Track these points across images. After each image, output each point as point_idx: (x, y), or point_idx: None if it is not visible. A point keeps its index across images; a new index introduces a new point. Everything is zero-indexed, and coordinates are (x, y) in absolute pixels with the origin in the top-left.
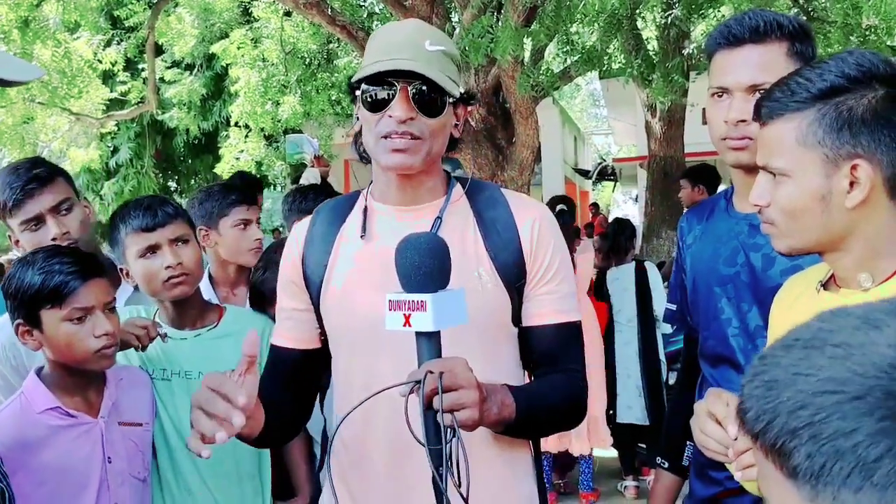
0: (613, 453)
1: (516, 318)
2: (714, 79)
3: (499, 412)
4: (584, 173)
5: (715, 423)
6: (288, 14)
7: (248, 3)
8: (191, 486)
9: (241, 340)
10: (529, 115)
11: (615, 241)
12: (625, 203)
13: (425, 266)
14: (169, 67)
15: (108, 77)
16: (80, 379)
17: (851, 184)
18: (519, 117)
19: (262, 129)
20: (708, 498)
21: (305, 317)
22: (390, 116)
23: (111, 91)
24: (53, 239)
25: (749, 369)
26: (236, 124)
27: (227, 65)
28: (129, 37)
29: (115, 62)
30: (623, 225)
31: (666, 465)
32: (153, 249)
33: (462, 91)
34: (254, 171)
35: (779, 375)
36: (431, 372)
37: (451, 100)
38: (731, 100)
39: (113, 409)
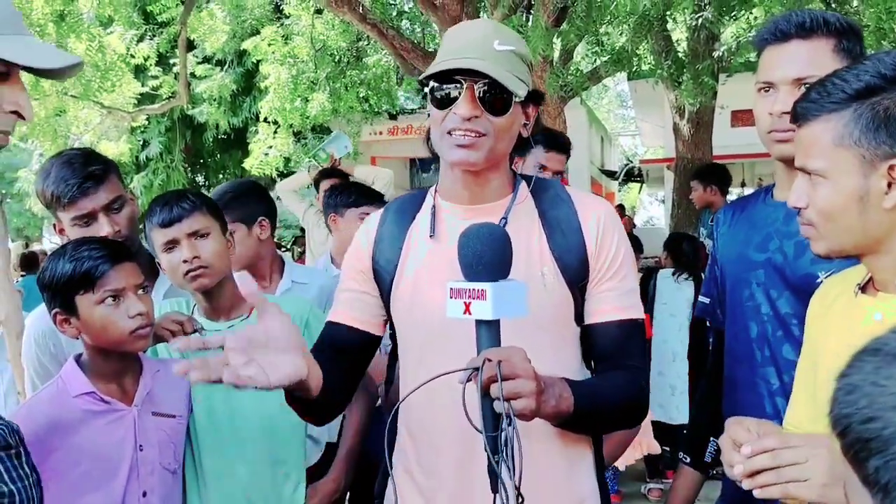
0: (633, 460)
1: (579, 317)
2: (761, 74)
3: (556, 404)
4: (611, 174)
5: (736, 453)
6: (319, 11)
7: (280, 0)
8: (223, 476)
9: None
10: (557, 115)
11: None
12: (651, 205)
13: (486, 255)
14: (200, 63)
15: (139, 71)
16: (116, 366)
17: (889, 184)
18: (546, 117)
19: (291, 126)
20: (741, 497)
21: (371, 301)
22: (455, 113)
23: (143, 85)
24: (104, 236)
25: (844, 367)
26: (265, 120)
27: (258, 61)
28: (162, 32)
29: (148, 57)
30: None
31: (688, 460)
32: (172, 244)
33: (529, 90)
34: (282, 168)
35: (859, 382)
36: (490, 360)
37: (517, 99)
38: (777, 93)
39: (147, 399)
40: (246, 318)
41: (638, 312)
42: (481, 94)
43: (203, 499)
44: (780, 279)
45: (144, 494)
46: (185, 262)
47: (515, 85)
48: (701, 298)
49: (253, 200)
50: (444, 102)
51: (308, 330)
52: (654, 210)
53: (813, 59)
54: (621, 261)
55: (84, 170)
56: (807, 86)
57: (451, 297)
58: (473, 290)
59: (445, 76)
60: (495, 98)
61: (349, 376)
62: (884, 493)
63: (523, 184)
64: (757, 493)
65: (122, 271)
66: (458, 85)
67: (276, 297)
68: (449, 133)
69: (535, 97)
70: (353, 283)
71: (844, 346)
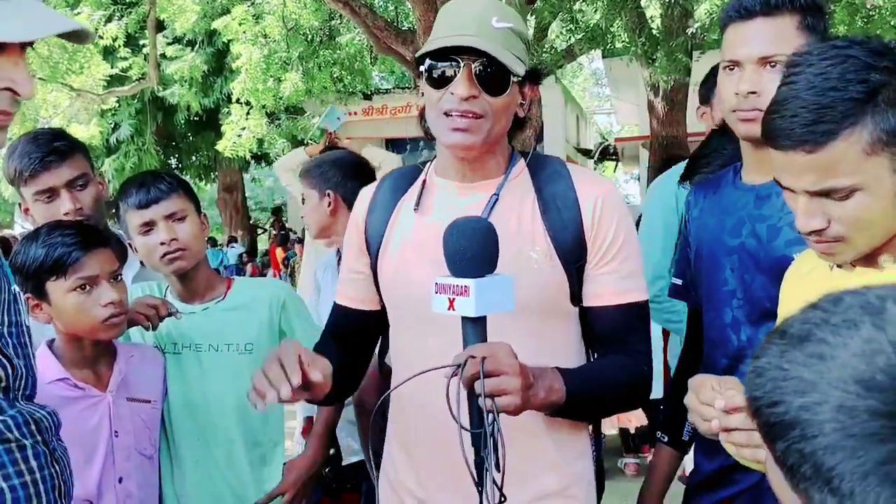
0: (613, 430)
1: (575, 298)
2: (726, 52)
3: (546, 396)
4: (587, 153)
5: (709, 407)
6: None
7: None
8: (200, 460)
9: (250, 312)
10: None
11: None
12: (626, 183)
13: (470, 251)
14: (170, 43)
15: (108, 53)
16: (89, 352)
17: None
18: None
19: (264, 106)
20: (713, 471)
21: (366, 278)
22: (453, 94)
23: (112, 67)
24: (66, 214)
25: (758, 348)
26: (238, 101)
27: (229, 41)
28: (131, 12)
29: (116, 38)
30: None
31: (665, 439)
32: (149, 226)
33: (528, 69)
34: (255, 149)
35: (765, 365)
36: (473, 357)
37: (515, 78)
38: (742, 72)
39: (122, 385)
40: (221, 300)
41: (639, 295)
42: (479, 73)
43: (179, 483)
44: (753, 264)
45: (120, 480)
46: (162, 244)
47: (514, 63)
48: (673, 280)
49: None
50: (441, 82)
51: (284, 311)
52: (629, 188)
53: (778, 36)
54: (622, 242)
55: (49, 145)
56: (772, 65)
57: (435, 293)
58: (457, 286)
59: (441, 54)
60: (493, 77)
61: (359, 356)
62: (791, 474)
63: (521, 160)
64: (732, 452)
65: (95, 258)
66: (455, 64)
67: (249, 279)
68: (446, 114)
69: (532, 76)
70: (352, 261)
71: None
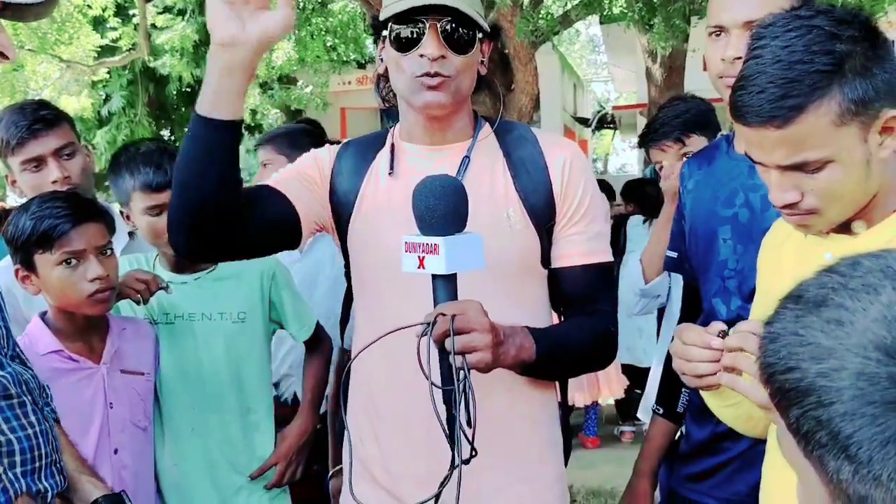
0: (610, 399)
1: (545, 260)
2: (711, 17)
3: (517, 354)
4: (584, 121)
5: (698, 347)
6: None
7: None
8: (195, 429)
9: (241, 281)
10: (528, 62)
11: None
12: (624, 152)
13: (440, 209)
14: (161, 13)
15: (98, 23)
16: (82, 325)
17: (881, 133)
18: (518, 63)
19: (257, 77)
20: (703, 440)
21: (317, 196)
22: (422, 55)
23: (102, 38)
24: (54, 182)
25: (770, 314)
26: None
27: None
28: None
29: (106, 8)
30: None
31: (661, 411)
32: (159, 209)
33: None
34: (248, 120)
35: (780, 330)
36: (443, 314)
37: (480, 35)
38: (728, 37)
39: (115, 357)
40: (212, 270)
41: (605, 256)
42: (445, 33)
43: (174, 453)
44: (746, 234)
45: (116, 452)
46: None
47: (480, 20)
48: (668, 253)
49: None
50: (407, 44)
51: (275, 282)
52: (626, 157)
53: (763, 0)
54: (589, 203)
55: (35, 114)
56: None
57: (405, 252)
58: (427, 244)
59: (404, 16)
60: (460, 36)
61: (252, 218)
62: (805, 442)
63: (486, 124)
64: (725, 382)
65: (83, 232)
66: (421, 24)
67: None
68: (418, 77)
69: (491, 33)
70: (307, 171)
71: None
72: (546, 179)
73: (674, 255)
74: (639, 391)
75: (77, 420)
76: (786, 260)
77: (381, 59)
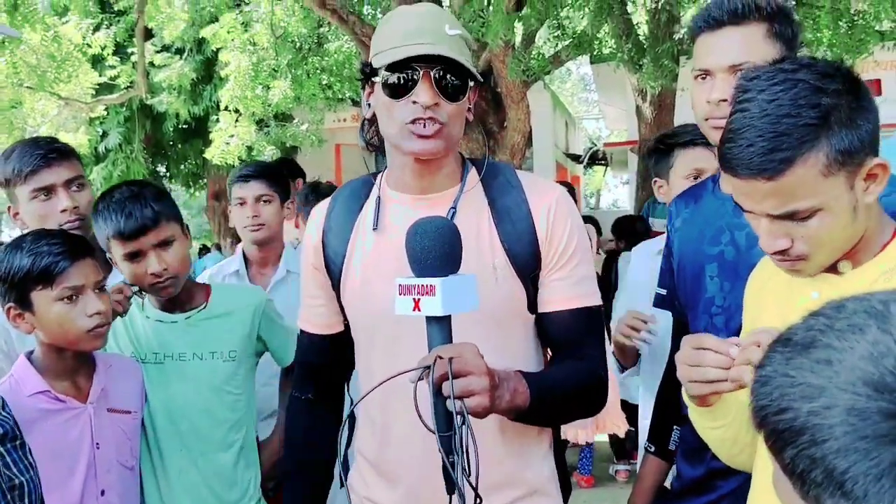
0: (604, 437)
1: (532, 306)
2: (696, 61)
3: (511, 399)
4: (576, 158)
5: (714, 352)
6: None
7: None
8: (185, 467)
9: (233, 320)
10: (521, 100)
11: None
12: (616, 188)
13: (435, 250)
14: (159, 52)
15: (97, 61)
16: (70, 363)
17: (866, 179)
18: (510, 101)
19: (253, 114)
20: (695, 479)
21: (326, 301)
22: (415, 102)
23: (100, 75)
24: (63, 211)
25: (761, 359)
26: (226, 109)
27: (217, 49)
28: (119, 21)
29: (105, 46)
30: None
31: (653, 449)
32: (137, 255)
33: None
34: (244, 156)
35: (771, 373)
36: (441, 357)
37: (471, 83)
38: (713, 80)
39: (102, 396)
40: (203, 309)
41: (593, 299)
42: (437, 80)
43: (164, 492)
44: (733, 271)
45: (103, 493)
46: (153, 274)
47: (472, 68)
48: (658, 290)
49: (286, 181)
50: (399, 91)
51: (265, 318)
52: (618, 192)
53: (746, 44)
54: (574, 247)
55: (50, 146)
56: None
57: (399, 294)
58: (422, 286)
59: (398, 64)
60: (452, 84)
61: (341, 366)
62: (801, 482)
63: (473, 171)
64: (738, 375)
65: (81, 268)
66: (415, 72)
67: (226, 285)
68: (410, 123)
69: (478, 80)
70: (311, 286)
71: (781, 325)
72: (530, 228)
73: (663, 292)
74: (633, 428)
75: (63, 461)
76: (772, 297)
77: (369, 105)
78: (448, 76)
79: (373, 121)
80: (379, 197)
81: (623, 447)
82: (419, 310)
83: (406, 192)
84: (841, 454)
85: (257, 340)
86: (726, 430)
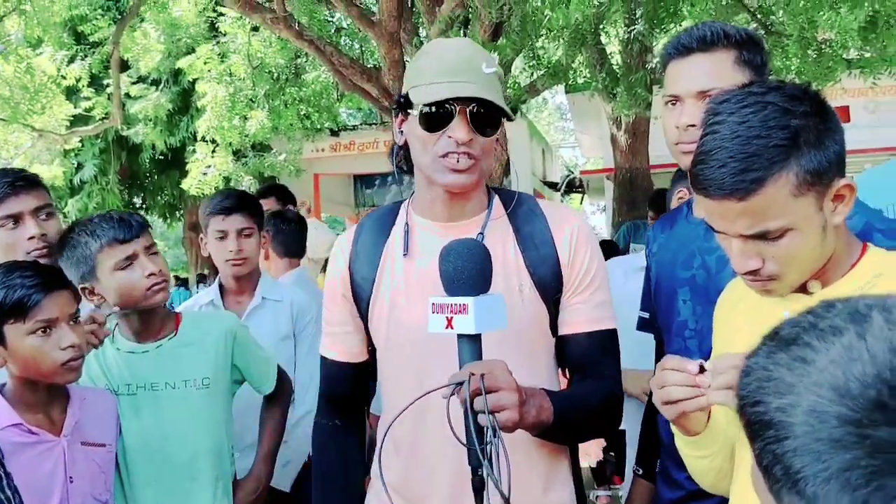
0: (585, 463)
1: (554, 328)
2: (667, 87)
3: (537, 415)
4: (553, 185)
5: (673, 371)
6: (255, 29)
7: (215, 18)
8: (158, 499)
9: (204, 346)
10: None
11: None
12: (592, 214)
13: (468, 270)
14: (134, 83)
15: (72, 93)
16: (43, 396)
17: (833, 200)
18: None
19: (230, 144)
20: (674, 500)
21: (354, 330)
22: (451, 137)
23: (75, 107)
24: (30, 238)
25: (752, 349)
26: (203, 139)
27: (194, 80)
28: (94, 52)
29: (80, 78)
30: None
31: (640, 471)
32: (131, 260)
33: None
34: (221, 187)
35: (753, 365)
36: (473, 374)
37: (504, 120)
38: (682, 106)
39: (76, 429)
40: (173, 336)
41: (610, 323)
42: (473, 118)
43: None
44: (704, 294)
45: None
46: (150, 275)
47: (506, 107)
48: (640, 313)
49: (262, 209)
50: (436, 124)
51: (237, 343)
52: (595, 220)
53: (715, 71)
54: (594, 272)
55: (17, 174)
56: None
57: (432, 313)
58: (455, 304)
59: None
60: (485, 120)
61: (364, 393)
62: (766, 475)
63: (497, 199)
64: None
65: (55, 300)
66: (451, 107)
67: (196, 312)
68: (443, 156)
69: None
70: (337, 314)
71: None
72: (553, 253)
73: (646, 315)
74: (612, 453)
75: (36, 495)
76: (743, 318)
77: (402, 132)
78: (483, 112)
79: (403, 146)
80: (407, 223)
81: (603, 473)
82: (452, 328)
83: (434, 219)
84: (797, 454)
85: (233, 368)
86: (712, 460)
